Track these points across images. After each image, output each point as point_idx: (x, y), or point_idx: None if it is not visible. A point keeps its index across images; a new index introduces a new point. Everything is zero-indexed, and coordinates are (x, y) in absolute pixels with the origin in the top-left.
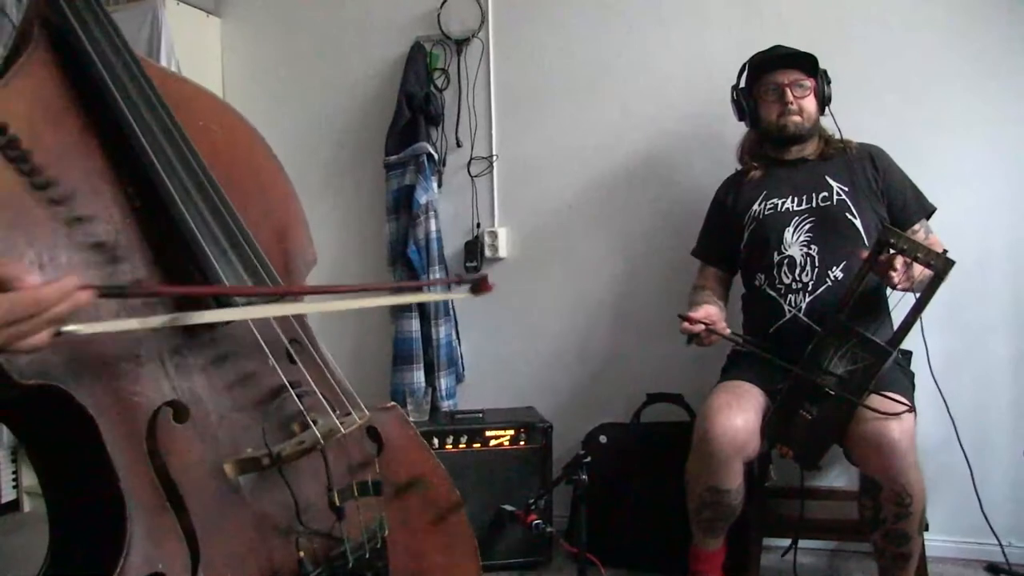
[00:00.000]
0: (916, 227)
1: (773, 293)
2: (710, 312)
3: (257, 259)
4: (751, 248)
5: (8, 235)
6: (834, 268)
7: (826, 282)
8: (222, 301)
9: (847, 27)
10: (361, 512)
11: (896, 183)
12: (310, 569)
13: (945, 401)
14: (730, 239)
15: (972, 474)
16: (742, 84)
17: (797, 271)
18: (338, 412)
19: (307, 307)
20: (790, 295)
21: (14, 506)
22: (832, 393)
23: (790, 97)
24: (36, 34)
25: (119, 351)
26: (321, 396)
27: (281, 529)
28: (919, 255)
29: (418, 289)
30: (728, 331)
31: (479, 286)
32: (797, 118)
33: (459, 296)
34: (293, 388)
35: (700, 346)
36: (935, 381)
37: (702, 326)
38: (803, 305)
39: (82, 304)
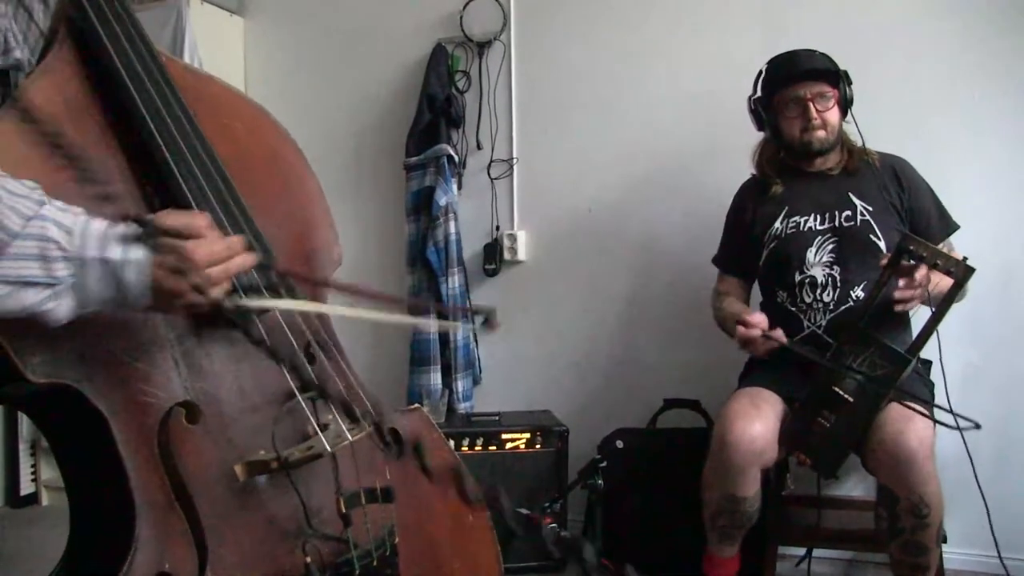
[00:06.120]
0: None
1: (794, 309)
2: (763, 319)
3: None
4: (771, 266)
5: None
6: (856, 289)
7: (848, 302)
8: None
9: (869, 35)
10: (369, 519)
11: (921, 201)
12: (317, 574)
13: (955, 415)
14: (749, 253)
15: (983, 487)
16: (759, 93)
17: (818, 291)
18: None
19: (332, 308)
20: (811, 313)
21: (32, 499)
22: (851, 400)
23: (813, 113)
24: (62, 34)
25: (132, 351)
26: (334, 400)
27: (290, 533)
28: (939, 262)
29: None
30: (785, 339)
31: (489, 322)
32: (821, 132)
33: (471, 327)
34: (306, 391)
35: (752, 352)
36: (947, 393)
37: (758, 331)
38: (823, 323)
39: (251, 264)
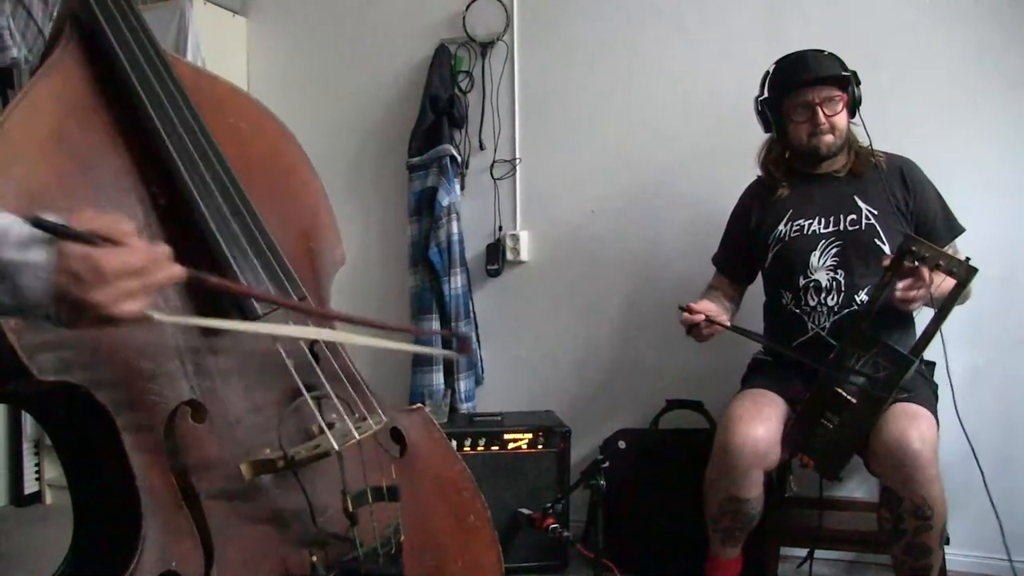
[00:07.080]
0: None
1: (798, 312)
2: (709, 306)
3: (277, 261)
4: (775, 269)
5: None
6: (860, 293)
7: (852, 306)
8: (247, 309)
9: (873, 36)
10: (375, 517)
11: (927, 204)
12: (323, 573)
13: (960, 418)
14: (750, 257)
15: (990, 488)
16: (765, 94)
17: (823, 295)
18: (356, 416)
19: (330, 334)
20: (815, 316)
21: (36, 498)
22: (853, 402)
23: (822, 118)
24: (67, 32)
25: (139, 350)
26: (339, 399)
27: (295, 531)
28: (941, 263)
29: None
30: (728, 323)
31: (461, 347)
32: (830, 137)
33: (447, 354)
34: (312, 391)
35: (699, 339)
36: (953, 395)
37: (702, 316)
38: (827, 325)
39: (176, 278)
